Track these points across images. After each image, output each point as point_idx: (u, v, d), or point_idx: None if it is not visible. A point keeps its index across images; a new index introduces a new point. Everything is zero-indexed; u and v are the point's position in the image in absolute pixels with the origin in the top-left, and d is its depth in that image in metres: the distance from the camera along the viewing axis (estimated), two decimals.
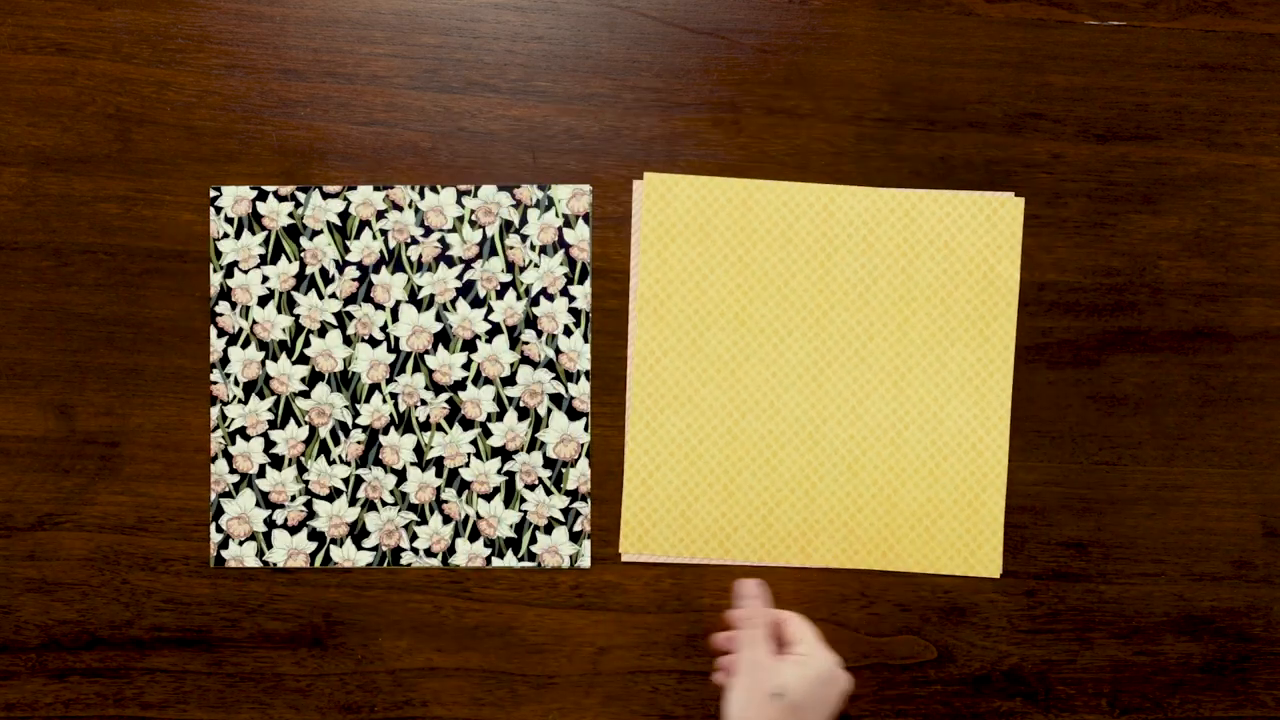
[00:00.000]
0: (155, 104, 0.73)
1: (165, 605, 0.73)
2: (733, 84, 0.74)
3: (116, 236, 0.73)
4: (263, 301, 0.73)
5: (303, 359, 0.73)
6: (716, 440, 0.74)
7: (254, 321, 0.73)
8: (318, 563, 0.72)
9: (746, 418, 0.74)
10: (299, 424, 0.73)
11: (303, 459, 0.73)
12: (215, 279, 0.73)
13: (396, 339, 0.73)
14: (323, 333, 0.73)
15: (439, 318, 0.73)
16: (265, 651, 0.73)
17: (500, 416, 0.73)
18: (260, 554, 0.72)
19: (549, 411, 0.73)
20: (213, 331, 0.73)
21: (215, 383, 0.73)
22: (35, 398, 0.72)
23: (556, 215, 0.73)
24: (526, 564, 0.72)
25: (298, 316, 0.73)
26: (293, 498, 0.73)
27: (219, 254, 0.73)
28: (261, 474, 0.73)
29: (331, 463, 0.73)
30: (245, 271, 0.73)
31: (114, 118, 0.73)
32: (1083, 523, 0.74)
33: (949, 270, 0.74)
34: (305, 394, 0.73)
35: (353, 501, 0.73)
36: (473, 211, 0.73)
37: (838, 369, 0.74)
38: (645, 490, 0.73)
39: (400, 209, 0.73)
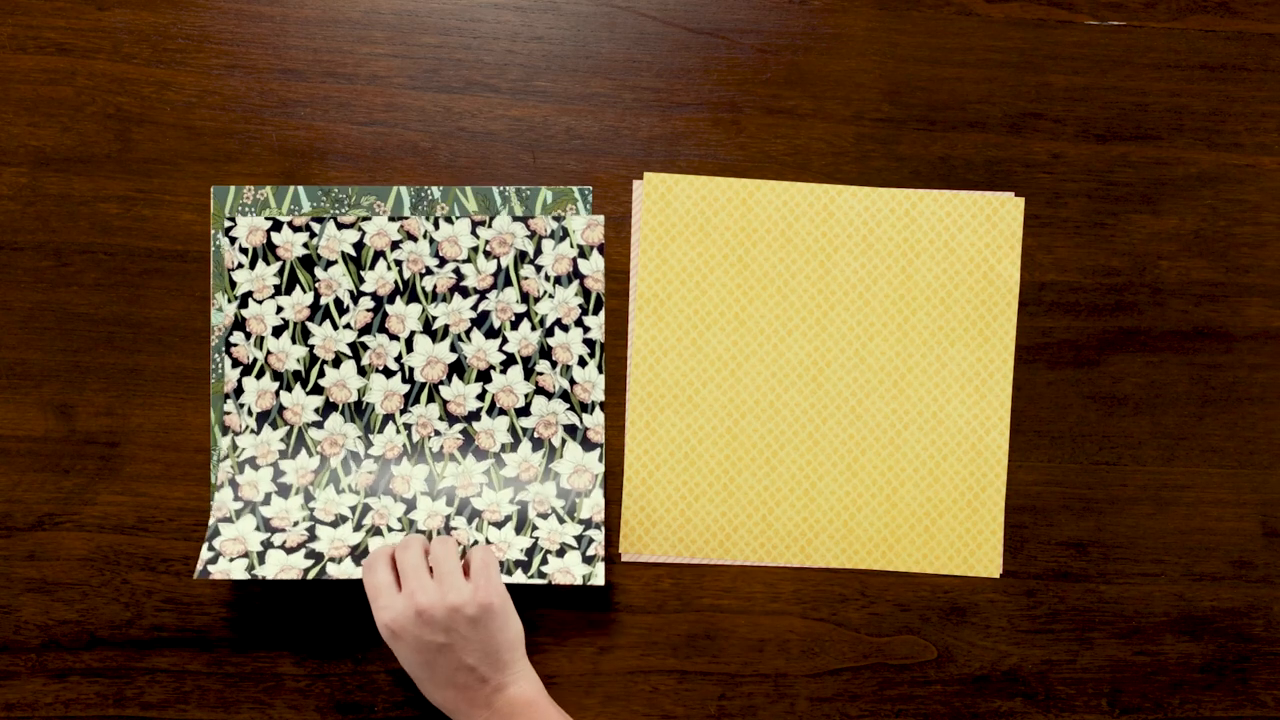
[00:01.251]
0: (155, 104, 0.73)
1: (165, 605, 0.72)
2: (733, 84, 0.74)
3: (116, 236, 0.73)
4: (277, 332, 0.72)
5: (317, 389, 0.72)
6: (716, 440, 0.73)
7: (268, 352, 0.72)
8: (311, 575, 0.68)
9: (746, 418, 0.73)
10: (310, 454, 0.72)
11: (311, 488, 0.72)
12: (230, 309, 0.72)
13: (411, 369, 0.72)
14: (337, 363, 0.72)
15: (454, 348, 0.73)
16: (265, 651, 0.73)
17: (514, 447, 0.73)
18: (250, 569, 0.69)
19: (563, 442, 0.73)
20: (227, 362, 0.72)
21: (229, 413, 0.72)
22: (35, 398, 0.72)
23: (571, 246, 0.73)
24: (536, 580, 0.69)
25: (312, 347, 0.72)
26: (295, 523, 0.71)
27: (233, 284, 0.72)
28: (266, 501, 0.71)
29: (340, 492, 0.72)
30: (260, 302, 0.72)
31: (114, 118, 0.73)
32: (1083, 523, 0.74)
33: (949, 270, 0.74)
34: (319, 424, 0.72)
35: (358, 528, 0.71)
36: (487, 242, 0.72)
37: (838, 369, 0.74)
38: (645, 490, 0.73)
39: (415, 239, 0.72)
